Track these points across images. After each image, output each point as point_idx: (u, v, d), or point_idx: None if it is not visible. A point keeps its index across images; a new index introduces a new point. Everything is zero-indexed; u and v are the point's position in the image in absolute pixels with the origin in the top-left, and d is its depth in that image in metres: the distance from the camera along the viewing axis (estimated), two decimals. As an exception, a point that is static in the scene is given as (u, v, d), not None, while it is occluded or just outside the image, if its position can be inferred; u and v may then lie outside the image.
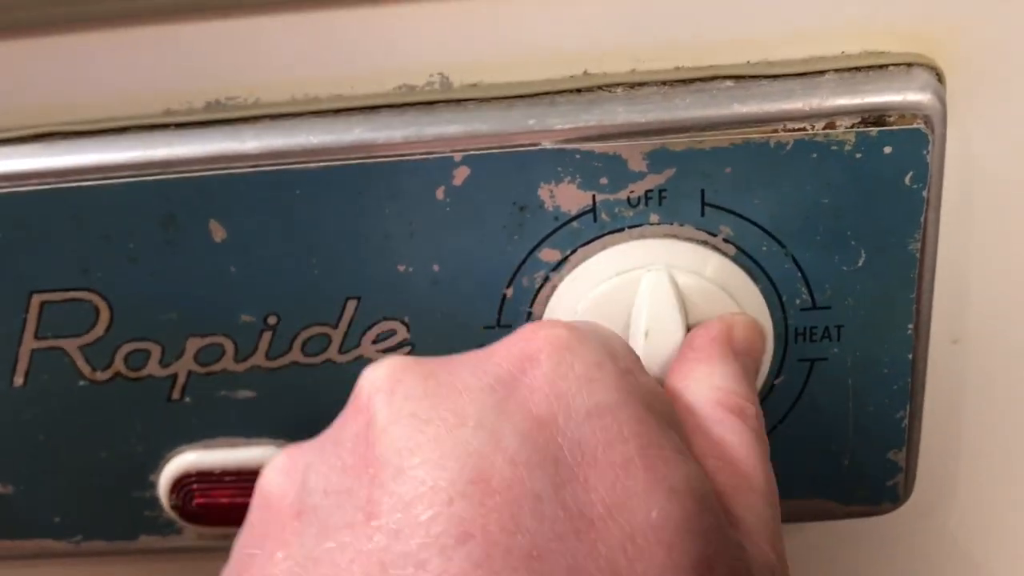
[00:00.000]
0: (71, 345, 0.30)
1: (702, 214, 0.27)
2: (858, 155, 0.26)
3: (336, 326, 0.29)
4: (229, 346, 0.30)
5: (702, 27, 0.27)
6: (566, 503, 0.20)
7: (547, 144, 0.27)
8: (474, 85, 0.28)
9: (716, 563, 0.21)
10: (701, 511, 0.21)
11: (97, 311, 0.29)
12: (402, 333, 0.29)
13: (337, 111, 0.28)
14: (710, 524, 0.21)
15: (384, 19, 0.27)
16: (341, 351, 0.30)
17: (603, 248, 0.28)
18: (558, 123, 0.27)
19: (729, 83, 0.27)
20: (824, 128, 0.26)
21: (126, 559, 0.34)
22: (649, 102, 0.27)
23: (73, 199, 0.28)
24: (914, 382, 0.30)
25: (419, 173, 0.27)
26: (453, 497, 0.20)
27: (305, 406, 0.30)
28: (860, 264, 0.28)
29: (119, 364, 0.30)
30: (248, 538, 0.23)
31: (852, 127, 0.26)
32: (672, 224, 0.28)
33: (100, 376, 0.30)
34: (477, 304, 0.29)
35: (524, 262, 0.28)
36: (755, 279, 0.28)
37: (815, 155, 0.26)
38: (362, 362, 0.30)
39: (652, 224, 0.28)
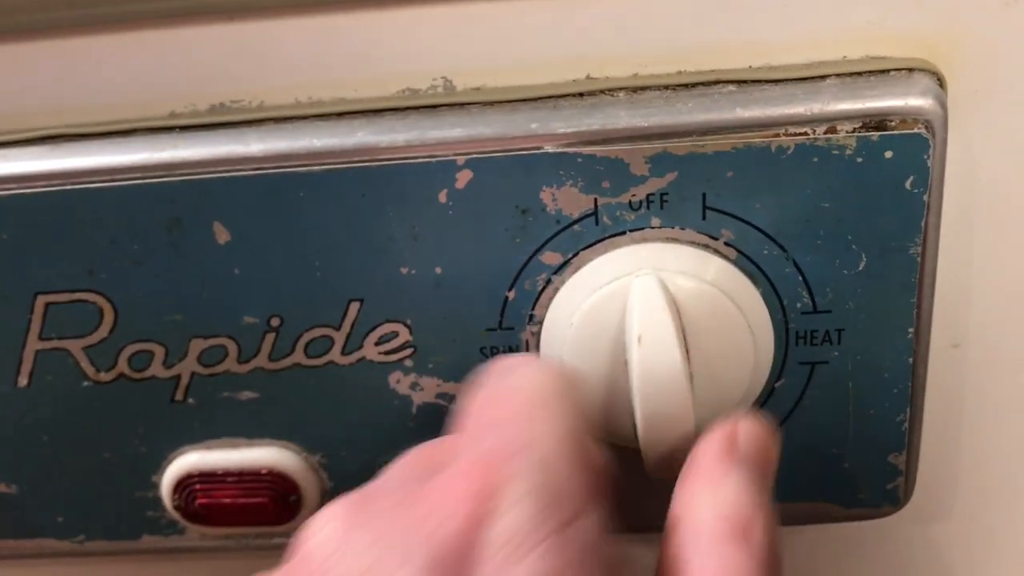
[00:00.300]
0: (75, 346, 0.30)
1: (703, 218, 0.27)
2: (859, 159, 0.26)
3: (339, 328, 0.29)
4: (232, 347, 0.30)
5: (704, 32, 0.27)
6: None
7: (549, 148, 0.27)
8: (477, 89, 0.28)
9: None
10: None
11: (101, 312, 0.29)
12: (404, 335, 0.29)
13: (340, 114, 0.28)
14: None
15: (388, 23, 0.27)
16: (344, 353, 0.30)
17: (605, 251, 0.28)
18: (560, 127, 0.27)
19: (731, 87, 0.27)
20: (826, 132, 0.26)
21: (129, 559, 0.34)
22: (651, 106, 0.27)
23: (78, 201, 0.28)
24: (914, 386, 0.30)
25: (422, 176, 0.27)
26: None
27: (307, 407, 0.31)
28: (861, 268, 0.28)
29: (123, 365, 0.30)
30: None
31: (853, 132, 0.26)
32: (673, 228, 0.28)
33: (104, 377, 0.30)
34: (479, 306, 0.29)
35: (526, 265, 0.28)
36: (756, 283, 0.28)
37: (816, 159, 0.27)
38: (364, 364, 0.30)
39: (654, 228, 0.28)
